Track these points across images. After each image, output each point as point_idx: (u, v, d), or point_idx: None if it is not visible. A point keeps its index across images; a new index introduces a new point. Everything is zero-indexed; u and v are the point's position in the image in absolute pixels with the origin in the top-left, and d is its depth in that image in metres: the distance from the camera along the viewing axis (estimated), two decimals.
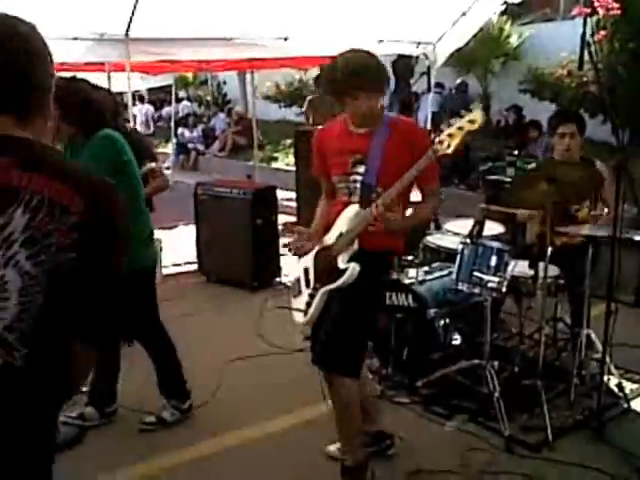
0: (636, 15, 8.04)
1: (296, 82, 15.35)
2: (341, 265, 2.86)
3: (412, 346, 3.99)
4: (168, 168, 11.87)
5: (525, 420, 3.55)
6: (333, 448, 3.30)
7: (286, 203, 8.68)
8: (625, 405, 3.71)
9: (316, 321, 2.99)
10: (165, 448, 3.43)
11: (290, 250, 3.10)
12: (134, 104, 12.36)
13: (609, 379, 3.74)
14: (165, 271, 6.18)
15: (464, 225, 4.31)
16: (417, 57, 7.27)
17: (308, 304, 2.98)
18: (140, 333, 3.57)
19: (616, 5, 7.60)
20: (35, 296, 1.25)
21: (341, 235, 2.89)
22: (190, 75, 18.06)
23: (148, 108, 16.97)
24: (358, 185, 2.89)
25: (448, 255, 4.42)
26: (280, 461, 3.32)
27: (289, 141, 12.99)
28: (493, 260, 3.69)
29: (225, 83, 18.76)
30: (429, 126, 8.53)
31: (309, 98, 11.00)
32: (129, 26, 5.77)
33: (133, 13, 5.65)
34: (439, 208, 3.86)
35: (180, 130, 15.18)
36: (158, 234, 4.14)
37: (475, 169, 9.80)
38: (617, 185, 3.34)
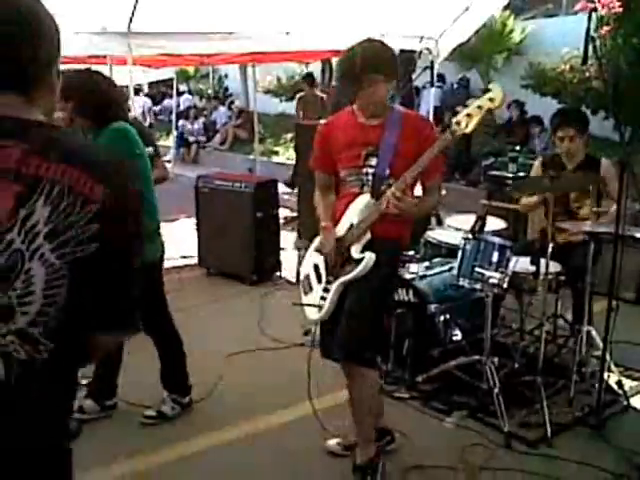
0: (639, 11, 8.01)
1: (297, 76, 15.32)
2: (355, 255, 2.87)
3: (412, 341, 3.99)
4: (169, 161, 11.84)
5: (524, 416, 3.54)
6: (333, 443, 3.31)
7: (287, 197, 8.69)
8: (625, 402, 3.71)
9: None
10: (164, 442, 3.43)
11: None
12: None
13: (609, 376, 3.74)
14: (165, 264, 6.15)
15: (466, 221, 4.30)
16: (420, 52, 7.26)
17: (323, 298, 2.97)
18: (148, 326, 3.56)
19: (618, 3, 7.57)
20: (59, 289, 1.22)
21: (352, 226, 2.90)
22: (191, 69, 18.00)
23: (145, 101, 16.89)
24: (370, 177, 2.89)
25: (449, 250, 4.42)
26: (280, 455, 3.32)
27: (290, 135, 12.98)
28: (495, 256, 3.69)
29: (226, 77, 18.75)
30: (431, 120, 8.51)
31: (299, 95, 11.03)
32: (131, 20, 5.76)
33: (135, 7, 5.64)
34: (440, 203, 3.85)
35: (181, 123, 15.15)
36: None
37: (477, 164, 9.79)
38: (620, 182, 3.34)
